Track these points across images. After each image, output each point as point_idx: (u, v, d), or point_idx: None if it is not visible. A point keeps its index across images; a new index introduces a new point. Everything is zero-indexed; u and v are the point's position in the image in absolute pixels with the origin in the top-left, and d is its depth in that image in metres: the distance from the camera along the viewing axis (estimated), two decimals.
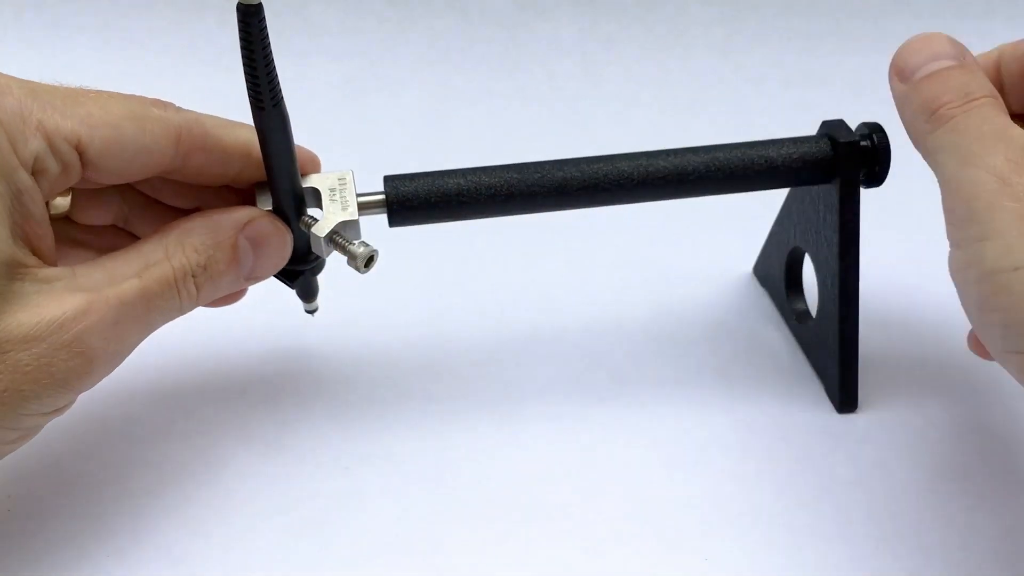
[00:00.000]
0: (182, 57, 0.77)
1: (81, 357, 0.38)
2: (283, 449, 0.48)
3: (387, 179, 0.46)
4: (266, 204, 0.44)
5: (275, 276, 0.47)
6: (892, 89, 0.42)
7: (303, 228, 0.44)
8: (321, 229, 0.44)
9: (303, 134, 0.70)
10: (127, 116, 0.40)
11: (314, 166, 0.46)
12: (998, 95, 0.40)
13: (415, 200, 0.45)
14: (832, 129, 0.47)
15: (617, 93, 0.76)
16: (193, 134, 0.42)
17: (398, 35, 0.80)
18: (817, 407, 0.50)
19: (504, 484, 0.46)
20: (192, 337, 0.54)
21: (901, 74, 0.42)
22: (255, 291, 0.55)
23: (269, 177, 0.43)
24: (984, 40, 0.83)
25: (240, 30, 0.37)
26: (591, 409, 0.50)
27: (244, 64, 0.38)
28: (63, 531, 0.44)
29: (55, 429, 0.48)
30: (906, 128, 0.42)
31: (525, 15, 0.81)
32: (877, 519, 0.45)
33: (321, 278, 0.49)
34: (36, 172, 0.38)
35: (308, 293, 0.49)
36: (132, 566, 0.43)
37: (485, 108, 0.74)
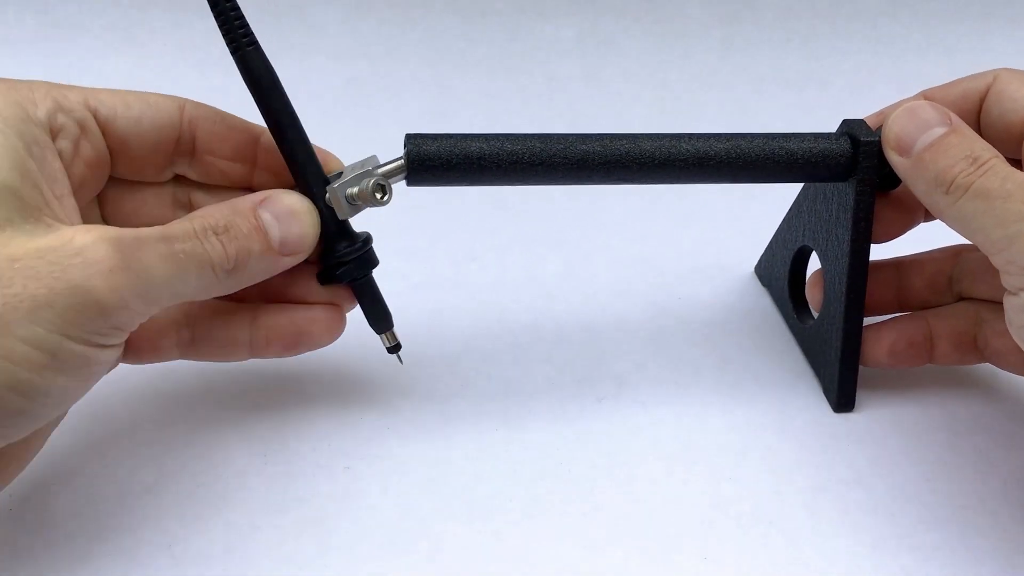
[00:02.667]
0: (183, 57, 0.77)
1: (99, 265, 0.37)
2: (283, 449, 0.48)
3: (409, 136, 0.46)
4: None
5: (320, 279, 0.46)
6: (893, 163, 0.45)
7: (328, 203, 0.44)
8: (339, 180, 0.44)
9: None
10: (129, 92, 0.43)
11: (336, 163, 0.47)
12: (996, 151, 0.43)
13: (436, 159, 0.45)
14: (853, 128, 0.47)
15: (617, 93, 0.76)
16: (196, 104, 0.44)
17: (398, 35, 0.80)
18: (816, 407, 0.50)
19: (504, 483, 0.46)
20: None
21: (899, 149, 0.44)
22: None
23: (277, 140, 0.44)
24: (984, 40, 0.83)
25: None
26: (591, 409, 0.50)
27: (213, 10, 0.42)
28: (63, 531, 0.44)
29: (56, 429, 0.48)
30: (922, 200, 0.44)
31: (525, 15, 0.81)
32: (875, 518, 0.45)
33: None
34: (52, 130, 0.40)
35: (376, 311, 0.48)
36: (132, 565, 0.43)
37: (485, 108, 0.75)
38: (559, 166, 0.46)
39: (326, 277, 0.46)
